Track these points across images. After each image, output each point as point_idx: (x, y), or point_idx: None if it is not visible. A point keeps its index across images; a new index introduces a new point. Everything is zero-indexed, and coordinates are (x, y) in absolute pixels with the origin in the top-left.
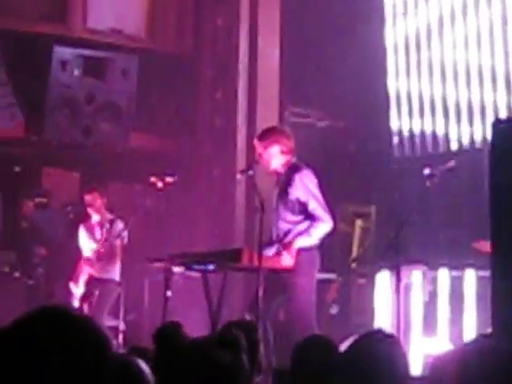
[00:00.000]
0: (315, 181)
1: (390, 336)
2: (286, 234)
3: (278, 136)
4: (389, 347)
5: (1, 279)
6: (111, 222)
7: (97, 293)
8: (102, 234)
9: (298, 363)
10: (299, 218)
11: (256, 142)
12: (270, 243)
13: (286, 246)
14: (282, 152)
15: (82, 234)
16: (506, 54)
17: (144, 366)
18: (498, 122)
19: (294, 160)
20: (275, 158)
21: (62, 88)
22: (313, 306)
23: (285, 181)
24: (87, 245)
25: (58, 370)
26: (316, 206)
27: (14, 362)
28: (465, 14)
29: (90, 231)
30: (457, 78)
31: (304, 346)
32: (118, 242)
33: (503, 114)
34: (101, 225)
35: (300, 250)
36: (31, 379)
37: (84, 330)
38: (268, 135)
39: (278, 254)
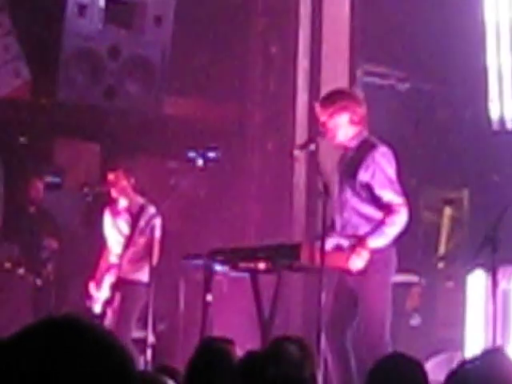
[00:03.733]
0: (393, 162)
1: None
2: (355, 227)
3: (348, 101)
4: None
5: (1, 278)
6: (142, 209)
7: (119, 297)
8: (131, 225)
9: None
10: (370, 207)
11: (319, 107)
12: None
13: (362, 245)
14: (352, 122)
15: (108, 220)
16: None
17: None
18: None
19: (365, 133)
20: (342, 128)
21: (79, 38)
22: (387, 316)
23: (353, 159)
24: (113, 236)
25: None
26: (392, 195)
27: None
28: None
29: (117, 219)
30: None
31: (380, 368)
32: (148, 234)
33: None
34: (130, 212)
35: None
36: None
37: (103, 350)
38: (335, 100)
39: (352, 249)
